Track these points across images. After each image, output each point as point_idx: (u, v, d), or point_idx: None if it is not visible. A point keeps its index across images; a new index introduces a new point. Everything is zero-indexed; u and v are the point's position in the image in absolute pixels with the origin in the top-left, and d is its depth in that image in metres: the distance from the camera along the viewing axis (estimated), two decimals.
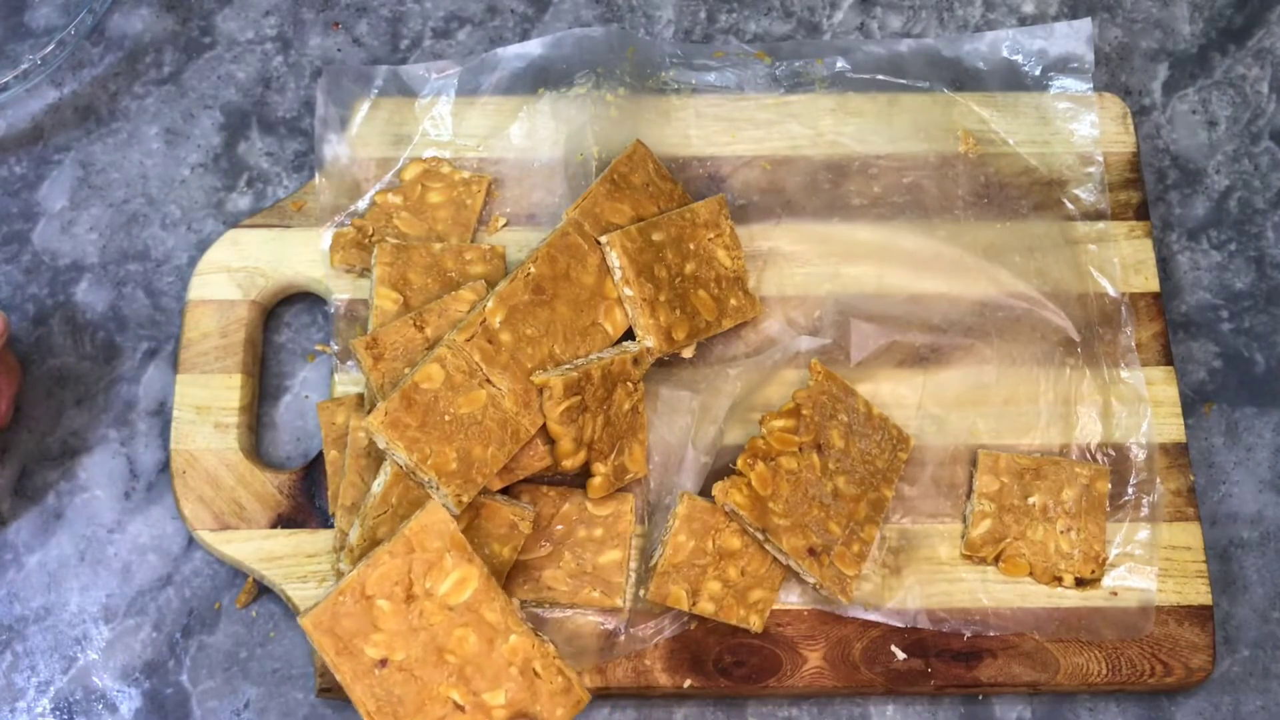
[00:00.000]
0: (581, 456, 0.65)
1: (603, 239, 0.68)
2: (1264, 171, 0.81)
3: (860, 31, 0.83)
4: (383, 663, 0.54)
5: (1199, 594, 0.68)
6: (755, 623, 0.65)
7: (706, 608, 0.64)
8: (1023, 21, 0.84)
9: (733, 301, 0.72)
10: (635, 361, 0.68)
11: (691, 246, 0.71)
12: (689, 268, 0.71)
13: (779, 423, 0.67)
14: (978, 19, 0.84)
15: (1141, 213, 0.76)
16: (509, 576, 0.65)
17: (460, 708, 0.53)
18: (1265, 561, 0.71)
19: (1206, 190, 0.80)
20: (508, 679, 0.54)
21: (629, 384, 0.68)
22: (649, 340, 0.68)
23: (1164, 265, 0.78)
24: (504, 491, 0.66)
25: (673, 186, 0.74)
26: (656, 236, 0.70)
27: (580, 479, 0.67)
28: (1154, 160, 0.81)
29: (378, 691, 0.53)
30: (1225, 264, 0.78)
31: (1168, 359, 0.73)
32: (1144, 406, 0.71)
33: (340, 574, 0.64)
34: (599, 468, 0.66)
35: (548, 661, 0.56)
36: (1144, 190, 0.77)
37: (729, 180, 0.76)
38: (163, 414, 0.72)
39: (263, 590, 0.68)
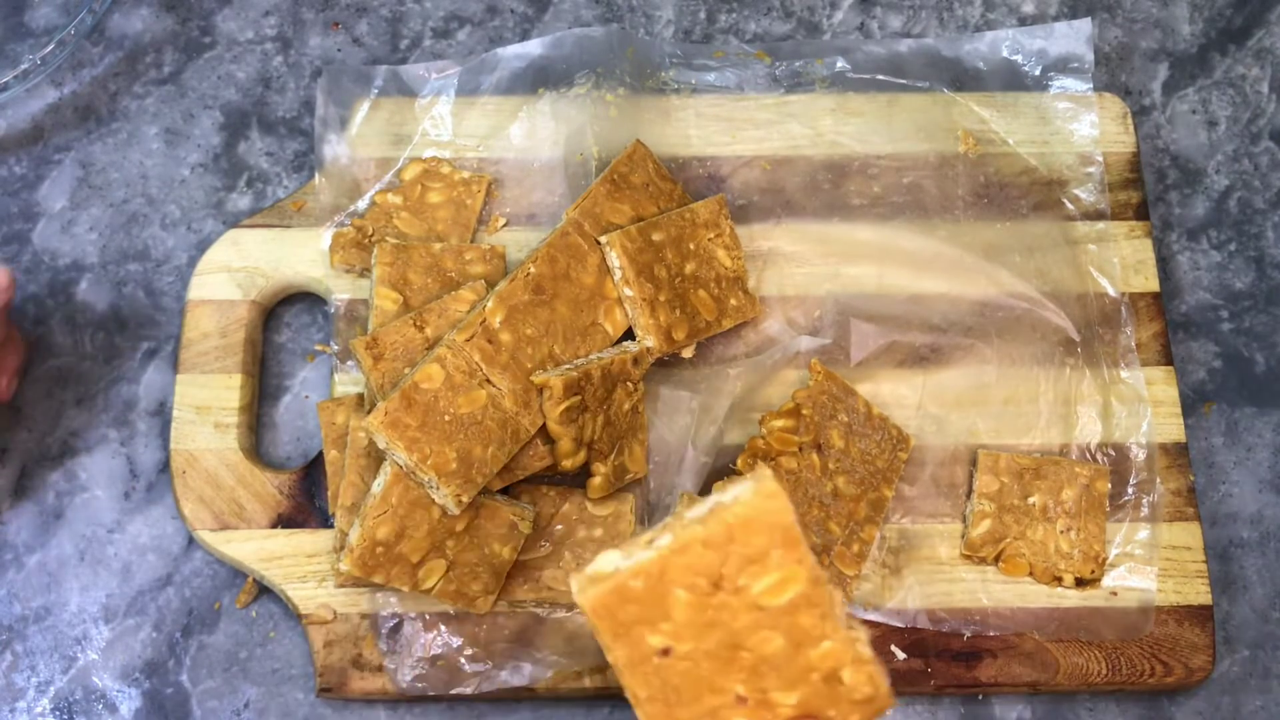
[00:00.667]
0: (581, 456, 0.65)
1: (602, 239, 0.68)
2: (1264, 171, 0.81)
3: (860, 31, 0.83)
4: (665, 652, 0.46)
5: (1199, 594, 0.68)
6: None
7: None
8: (1022, 21, 0.84)
9: (733, 301, 0.72)
10: (635, 361, 0.68)
11: (692, 246, 0.71)
12: (689, 268, 0.71)
13: (779, 423, 0.67)
14: (977, 19, 0.84)
15: (1141, 213, 0.76)
16: (509, 576, 0.65)
17: (742, 699, 0.46)
18: (1265, 561, 0.72)
19: (1206, 190, 0.80)
20: (806, 684, 0.47)
21: (629, 384, 0.67)
22: (649, 340, 0.68)
23: (1164, 265, 0.78)
24: (504, 491, 0.66)
25: (673, 186, 0.74)
26: (656, 236, 0.70)
27: (580, 479, 0.67)
28: (1154, 160, 0.81)
29: (652, 680, 0.46)
30: (1225, 264, 0.78)
31: (1168, 359, 0.73)
32: (1144, 406, 0.71)
33: (339, 573, 0.64)
34: (599, 468, 0.66)
35: (858, 668, 0.48)
36: (1144, 190, 0.77)
37: (729, 180, 0.76)
38: (163, 414, 0.72)
39: (263, 590, 0.68)
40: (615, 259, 0.68)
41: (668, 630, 0.46)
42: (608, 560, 0.47)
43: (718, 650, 0.46)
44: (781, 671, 0.47)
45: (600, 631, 0.47)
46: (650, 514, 0.68)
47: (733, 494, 0.45)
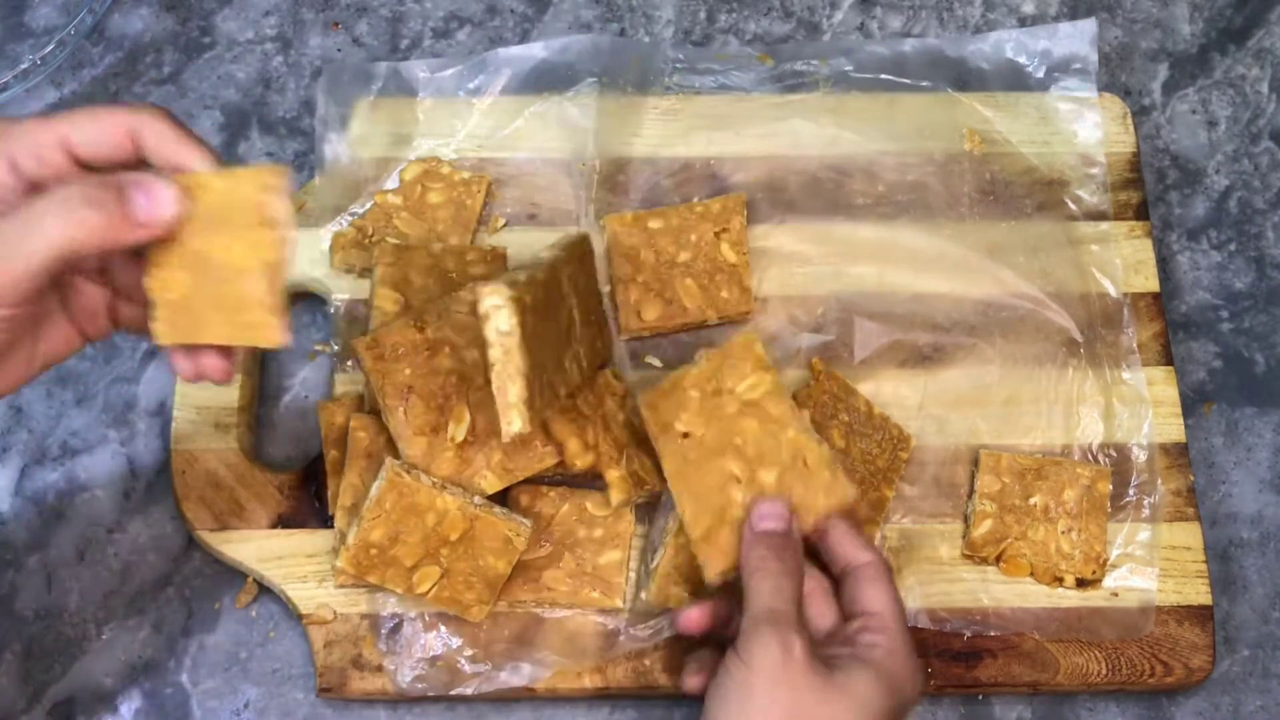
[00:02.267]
0: (590, 458, 0.65)
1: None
2: (1264, 171, 0.81)
3: (860, 31, 0.83)
4: (685, 435, 0.63)
5: (1199, 594, 0.68)
6: None
7: None
8: (1022, 21, 0.84)
9: (724, 294, 0.72)
10: (616, 376, 0.68)
11: (692, 238, 0.72)
12: (682, 256, 0.71)
13: None
14: (977, 19, 0.84)
15: (1141, 213, 0.76)
16: (509, 577, 0.65)
17: (737, 478, 0.62)
18: (1265, 561, 0.72)
19: (1206, 190, 0.80)
20: (779, 463, 0.62)
21: (615, 396, 0.68)
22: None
23: (1164, 265, 0.78)
24: (504, 493, 0.66)
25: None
26: (654, 224, 0.71)
27: (581, 480, 0.67)
28: (1154, 160, 0.81)
29: (677, 457, 0.63)
30: (1225, 264, 0.78)
31: (1168, 359, 0.73)
32: (1145, 407, 0.71)
33: (339, 572, 0.64)
34: (611, 474, 0.66)
35: (818, 459, 0.62)
36: (1144, 190, 0.77)
37: (731, 180, 0.76)
38: (163, 414, 0.72)
39: (263, 590, 0.68)
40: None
41: (686, 419, 0.63)
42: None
43: (720, 436, 0.63)
44: (763, 453, 0.62)
45: (648, 421, 0.64)
46: (651, 512, 0.68)
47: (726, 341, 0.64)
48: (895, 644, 0.58)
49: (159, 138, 0.51)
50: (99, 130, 0.50)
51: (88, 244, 0.48)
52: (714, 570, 0.61)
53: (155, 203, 0.49)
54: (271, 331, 0.52)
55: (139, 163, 0.51)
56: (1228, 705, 0.68)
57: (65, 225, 0.47)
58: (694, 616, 0.61)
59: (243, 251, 0.51)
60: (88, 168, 0.51)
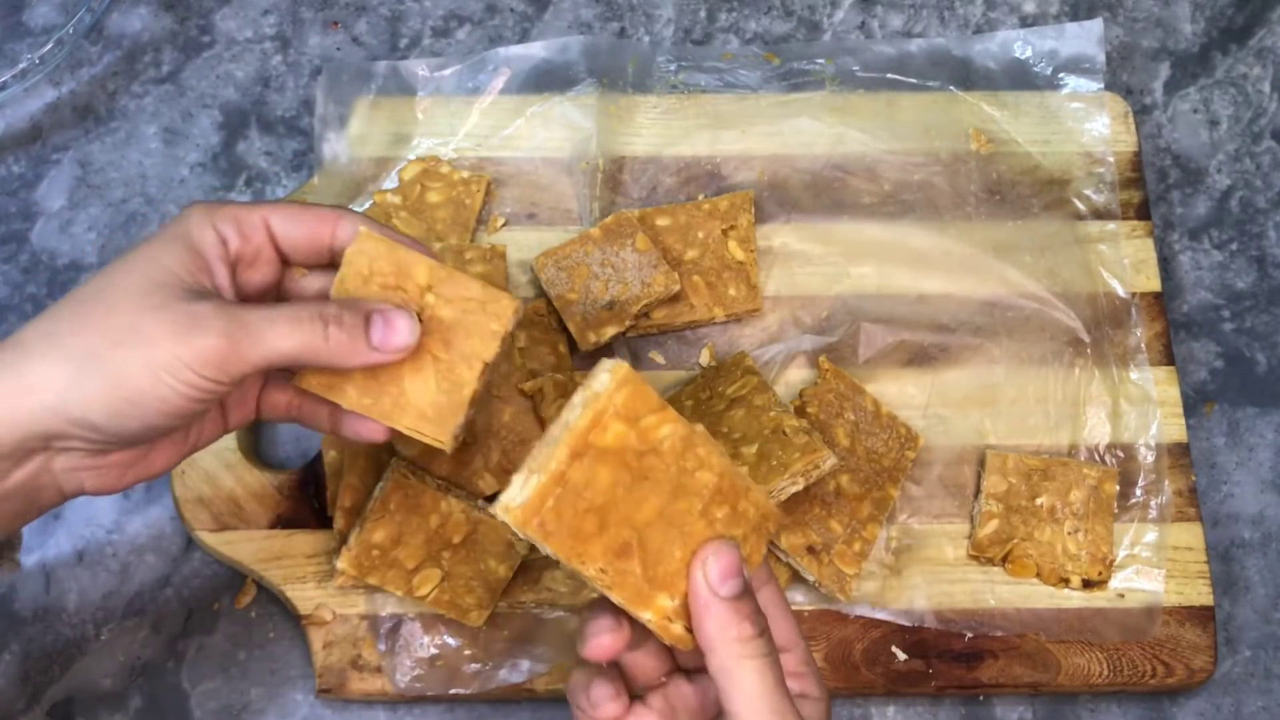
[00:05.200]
0: None
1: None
2: (1265, 171, 0.81)
3: (861, 30, 0.83)
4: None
5: (1201, 595, 0.68)
6: None
7: None
8: (1023, 20, 0.84)
9: (731, 292, 0.71)
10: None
11: (700, 235, 0.72)
12: (690, 254, 0.71)
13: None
14: (978, 18, 0.84)
15: (1143, 212, 0.76)
16: None
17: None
18: (1267, 562, 0.71)
19: (1208, 190, 0.80)
20: (760, 437, 0.60)
21: None
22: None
23: (1165, 265, 0.78)
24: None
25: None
26: (662, 221, 0.72)
27: None
28: (1155, 160, 0.81)
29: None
30: (1227, 264, 0.78)
31: (1169, 359, 0.73)
32: (1152, 408, 0.71)
33: (339, 572, 0.64)
34: None
35: (795, 428, 0.61)
36: (1145, 190, 0.77)
37: (735, 179, 0.76)
38: None
39: (262, 591, 0.68)
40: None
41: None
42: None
43: (708, 427, 0.53)
44: (746, 436, 0.60)
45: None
46: None
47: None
48: None
49: (351, 232, 0.53)
50: (298, 224, 0.53)
51: (320, 359, 0.50)
52: None
53: (393, 333, 0.51)
54: (441, 434, 0.54)
55: (332, 258, 0.54)
56: (1229, 706, 0.68)
57: (309, 338, 0.49)
58: (604, 642, 0.48)
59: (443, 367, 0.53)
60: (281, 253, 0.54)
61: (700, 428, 0.49)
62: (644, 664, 0.51)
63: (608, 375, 0.47)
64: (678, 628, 0.48)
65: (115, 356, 0.47)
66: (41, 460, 0.49)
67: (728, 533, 0.49)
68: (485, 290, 0.53)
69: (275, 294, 0.55)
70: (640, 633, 0.49)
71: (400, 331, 0.51)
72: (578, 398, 0.47)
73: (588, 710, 0.49)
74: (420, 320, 0.52)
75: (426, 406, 0.53)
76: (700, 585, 0.47)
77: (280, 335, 0.49)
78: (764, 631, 0.47)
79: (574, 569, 0.47)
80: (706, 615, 0.47)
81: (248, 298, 0.54)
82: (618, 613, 0.49)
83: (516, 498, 0.46)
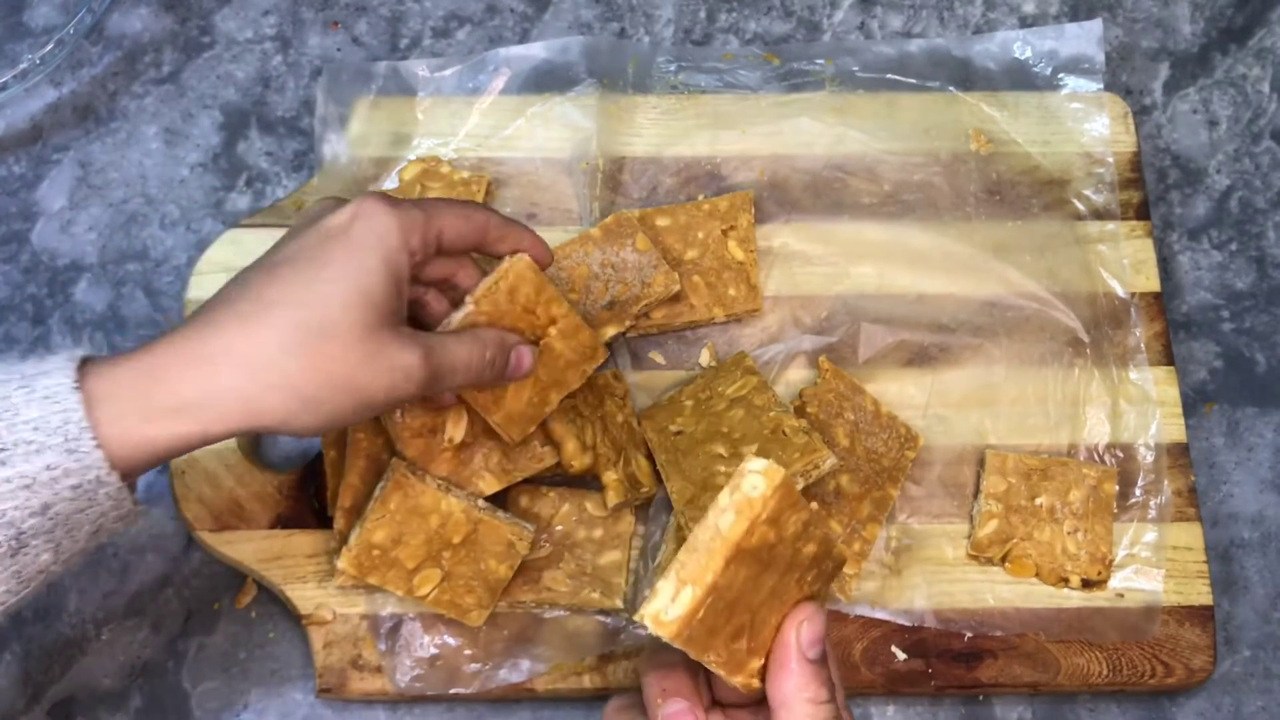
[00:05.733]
0: (588, 459, 0.65)
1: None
2: (1265, 171, 0.81)
3: (860, 31, 0.83)
4: (678, 433, 0.66)
5: (1200, 594, 0.68)
6: None
7: None
8: (1023, 21, 0.84)
9: (731, 292, 0.71)
10: (616, 377, 0.69)
11: (700, 235, 0.72)
12: (690, 254, 0.71)
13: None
14: (978, 18, 0.84)
15: (1142, 212, 0.76)
16: None
17: (722, 456, 0.63)
18: (1266, 562, 0.71)
19: (1207, 190, 0.80)
20: (760, 438, 0.63)
21: (616, 397, 0.68)
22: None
23: (1165, 265, 0.78)
24: (503, 494, 0.66)
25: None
26: (662, 221, 0.72)
27: (581, 481, 0.67)
28: (1155, 160, 0.81)
29: (670, 449, 0.65)
30: (1226, 264, 0.78)
31: (1169, 359, 0.73)
32: (1152, 408, 0.71)
33: (340, 572, 0.64)
34: (609, 476, 0.66)
35: (795, 428, 0.63)
36: (1145, 190, 0.77)
37: (735, 179, 0.76)
38: None
39: (262, 590, 0.68)
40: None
41: (680, 422, 0.67)
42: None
43: (709, 428, 0.64)
44: (747, 436, 0.63)
45: (647, 430, 0.67)
46: (651, 514, 0.68)
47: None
48: None
49: (499, 229, 0.59)
50: (469, 228, 0.58)
51: (474, 382, 0.58)
52: None
53: (520, 368, 0.60)
54: (517, 435, 0.63)
55: (480, 250, 0.60)
56: (1229, 706, 0.68)
57: (477, 377, 0.57)
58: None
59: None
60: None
61: (815, 506, 0.60)
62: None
63: (762, 480, 0.47)
64: (756, 681, 0.51)
65: (335, 400, 0.51)
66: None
67: (813, 589, 0.52)
68: (591, 338, 0.64)
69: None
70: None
71: (525, 366, 0.60)
72: (726, 499, 0.48)
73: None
74: (538, 345, 0.62)
75: (515, 412, 0.62)
76: (791, 647, 0.50)
77: (460, 376, 0.56)
78: (833, 698, 0.50)
79: (695, 658, 0.49)
80: (786, 674, 0.50)
81: None
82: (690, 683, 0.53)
83: (669, 611, 0.47)
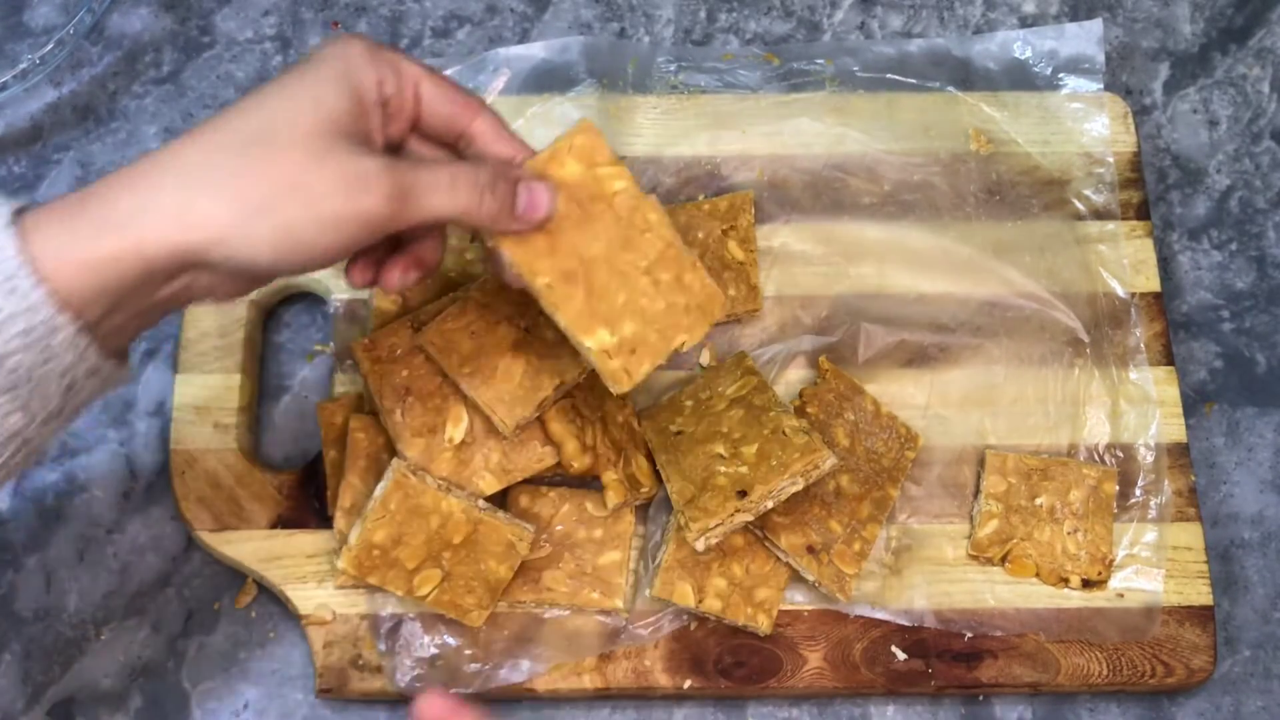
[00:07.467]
0: (588, 460, 0.65)
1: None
2: (1265, 171, 0.81)
3: (861, 31, 0.83)
4: (678, 433, 0.66)
5: (1200, 594, 0.68)
6: (764, 623, 0.65)
7: (713, 605, 0.64)
8: (1023, 21, 0.84)
9: (731, 292, 0.71)
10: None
11: (700, 235, 0.72)
12: None
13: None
14: (978, 18, 0.84)
15: (1142, 212, 0.76)
16: None
17: (722, 456, 0.64)
18: (1266, 562, 0.71)
19: (1207, 190, 0.80)
20: (760, 438, 0.63)
21: (615, 397, 0.68)
22: None
23: (1165, 265, 0.78)
24: (503, 494, 0.66)
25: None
26: None
27: (580, 481, 0.67)
28: (1155, 160, 0.81)
29: (670, 449, 0.66)
30: (1226, 264, 0.78)
31: (1169, 359, 0.73)
32: (1152, 408, 0.71)
33: (340, 572, 0.64)
34: (609, 476, 0.66)
35: (795, 428, 0.63)
36: (1145, 190, 0.77)
37: (734, 179, 0.76)
38: (162, 414, 0.72)
39: (262, 591, 0.68)
40: None
41: (680, 422, 0.67)
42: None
43: (708, 428, 0.65)
44: (746, 436, 0.64)
45: (647, 431, 0.67)
46: (651, 513, 0.68)
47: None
48: None
49: (490, 127, 0.55)
50: (446, 98, 0.54)
51: (472, 221, 0.52)
52: (696, 531, 0.62)
53: (536, 203, 0.53)
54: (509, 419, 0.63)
55: (459, 143, 0.55)
56: (1229, 706, 0.68)
57: (467, 204, 0.51)
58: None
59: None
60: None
61: (654, 199, 0.58)
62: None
63: (574, 126, 0.55)
64: (616, 364, 0.57)
65: (283, 209, 0.47)
66: (189, 277, 0.49)
67: (670, 298, 0.58)
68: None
69: (399, 153, 0.55)
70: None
71: (541, 203, 0.54)
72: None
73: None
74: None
75: (506, 392, 0.63)
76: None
77: (441, 201, 0.50)
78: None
79: (526, 282, 0.55)
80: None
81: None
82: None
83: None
